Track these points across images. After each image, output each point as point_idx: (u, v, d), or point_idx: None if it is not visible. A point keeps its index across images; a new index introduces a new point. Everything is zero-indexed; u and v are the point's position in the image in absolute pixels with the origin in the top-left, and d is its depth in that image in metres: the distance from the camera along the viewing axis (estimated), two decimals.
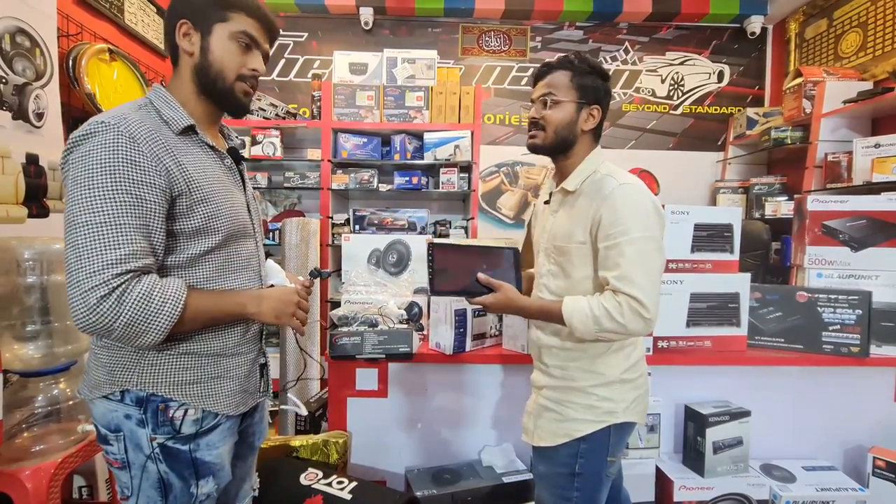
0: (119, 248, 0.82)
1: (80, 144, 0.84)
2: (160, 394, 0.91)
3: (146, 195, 0.85)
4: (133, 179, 0.84)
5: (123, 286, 0.81)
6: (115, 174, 0.82)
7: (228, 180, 1.02)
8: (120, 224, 0.82)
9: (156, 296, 0.84)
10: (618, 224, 1.08)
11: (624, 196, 1.10)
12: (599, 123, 1.21)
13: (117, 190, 0.82)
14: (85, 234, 0.80)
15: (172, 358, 0.92)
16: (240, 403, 1.02)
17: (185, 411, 0.93)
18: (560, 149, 1.21)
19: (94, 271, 0.80)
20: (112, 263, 0.81)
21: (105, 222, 0.81)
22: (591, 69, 1.18)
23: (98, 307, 0.80)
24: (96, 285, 0.80)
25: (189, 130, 0.96)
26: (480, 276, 1.20)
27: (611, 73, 3.64)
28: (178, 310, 0.86)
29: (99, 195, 0.81)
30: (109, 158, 0.82)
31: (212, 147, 1.00)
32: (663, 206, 1.64)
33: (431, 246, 1.21)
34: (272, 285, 1.11)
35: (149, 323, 0.84)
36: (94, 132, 0.83)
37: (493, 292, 1.19)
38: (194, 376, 0.94)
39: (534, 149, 1.23)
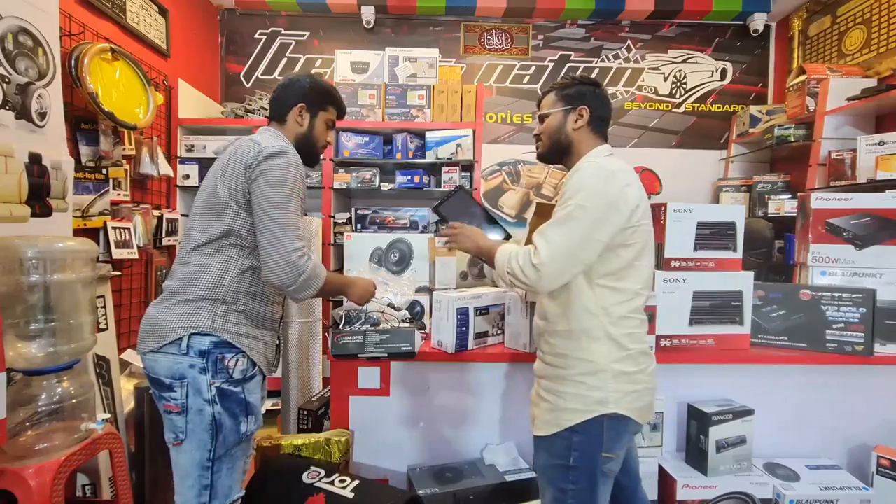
0: (299, 230, 1.28)
1: (280, 156, 1.26)
2: (223, 338, 1.24)
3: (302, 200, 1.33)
4: (301, 189, 1.31)
5: (307, 252, 1.27)
6: (300, 182, 1.30)
7: None
8: (299, 215, 1.29)
9: (317, 263, 1.29)
10: (564, 195, 1.19)
11: (579, 171, 1.20)
12: (594, 120, 1.28)
13: (298, 194, 1.29)
14: (285, 219, 1.24)
15: (232, 314, 1.27)
16: (267, 364, 1.37)
17: (237, 361, 1.26)
18: (558, 152, 1.33)
19: (292, 241, 1.24)
20: (299, 238, 1.27)
21: (295, 213, 1.27)
22: (572, 81, 1.31)
23: (297, 262, 1.24)
24: (295, 249, 1.24)
25: None
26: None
27: (613, 70, 3.65)
28: (324, 276, 1.32)
29: (292, 195, 1.27)
30: (297, 172, 1.29)
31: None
32: (664, 205, 1.65)
33: (460, 188, 1.59)
34: None
35: (315, 280, 1.29)
36: (286, 151, 1.28)
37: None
38: (244, 330, 1.29)
39: (539, 158, 1.39)
